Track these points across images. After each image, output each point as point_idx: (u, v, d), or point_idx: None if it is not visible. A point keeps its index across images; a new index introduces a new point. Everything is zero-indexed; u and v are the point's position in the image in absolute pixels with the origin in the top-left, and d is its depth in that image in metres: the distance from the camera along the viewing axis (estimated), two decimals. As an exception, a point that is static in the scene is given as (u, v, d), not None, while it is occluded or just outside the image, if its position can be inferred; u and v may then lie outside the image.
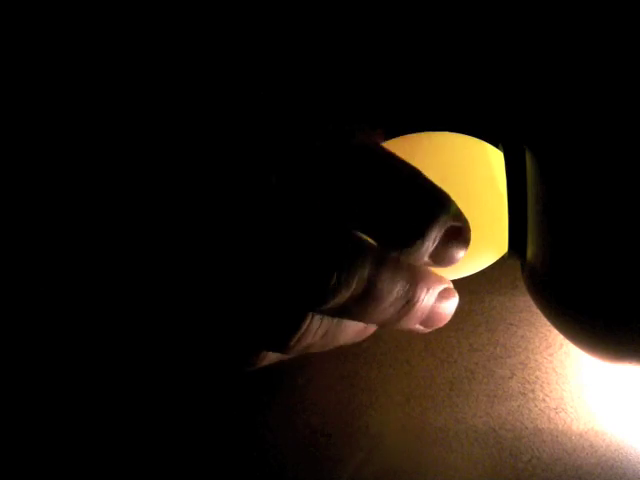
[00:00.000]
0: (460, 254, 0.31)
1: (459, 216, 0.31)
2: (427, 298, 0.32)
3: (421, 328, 0.33)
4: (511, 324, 0.38)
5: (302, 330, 0.31)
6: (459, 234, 0.31)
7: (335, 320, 0.32)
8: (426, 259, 0.31)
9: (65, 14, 0.35)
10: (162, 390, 0.36)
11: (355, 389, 0.36)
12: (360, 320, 0.32)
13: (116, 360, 0.36)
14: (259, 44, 0.38)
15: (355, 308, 0.31)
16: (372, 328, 0.34)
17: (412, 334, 0.35)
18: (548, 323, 0.33)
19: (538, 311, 0.33)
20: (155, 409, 0.36)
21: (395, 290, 0.31)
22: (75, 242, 0.32)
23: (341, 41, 0.40)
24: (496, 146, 0.33)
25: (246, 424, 0.35)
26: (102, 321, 0.35)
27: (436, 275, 0.32)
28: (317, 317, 0.31)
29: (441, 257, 0.31)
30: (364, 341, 0.35)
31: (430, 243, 0.30)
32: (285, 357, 0.33)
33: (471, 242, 0.31)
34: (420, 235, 0.30)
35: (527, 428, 0.34)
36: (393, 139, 0.33)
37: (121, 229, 0.31)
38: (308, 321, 0.31)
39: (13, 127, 0.33)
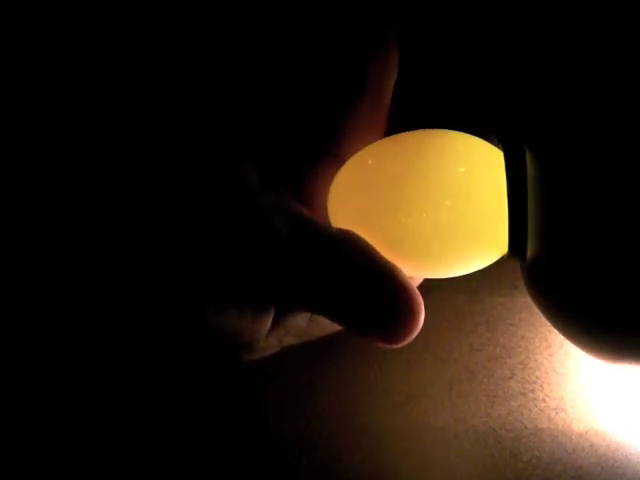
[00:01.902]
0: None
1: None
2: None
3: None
4: (511, 324, 0.38)
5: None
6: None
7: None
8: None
9: (64, 14, 0.35)
10: (160, 391, 0.36)
11: (355, 389, 0.36)
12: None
13: (113, 360, 0.36)
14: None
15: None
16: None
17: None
18: (548, 323, 0.33)
19: (538, 311, 0.33)
20: (152, 409, 0.36)
21: None
22: (73, 242, 0.32)
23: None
24: (496, 146, 0.33)
25: (245, 424, 0.35)
26: (102, 320, 0.35)
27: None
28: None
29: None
30: (364, 341, 0.35)
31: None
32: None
33: (471, 242, 0.31)
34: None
35: (527, 428, 0.34)
36: (392, 136, 0.33)
37: (114, 231, 0.31)
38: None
39: (10, 127, 0.33)
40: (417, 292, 0.31)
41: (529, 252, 0.32)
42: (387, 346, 0.31)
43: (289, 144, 0.33)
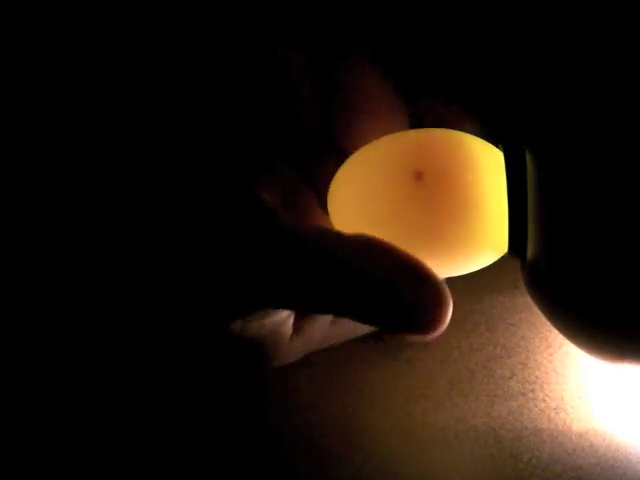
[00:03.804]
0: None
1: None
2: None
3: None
4: (511, 324, 0.38)
5: None
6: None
7: None
8: None
9: (65, 14, 0.35)
10: (159, 390, 0.36)
11: (355, 389, 0.36)
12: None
13: (113, 360, 0.36)
14: None
15: None
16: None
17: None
18: (548, 323, 0.33)
19: (538, 311, 0.33)
20: (152, 409, 0.36)
21: None
22: (73, 241, 0.32)
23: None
24: (496, 146, 0.33)
25: (246, 424, 0.35)
26: (102, 320, 0.35)
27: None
28: None
29: None
30: (364, 341, 0.35)
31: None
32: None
33: (471, 242, 0.31)
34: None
35: (527, 428, 0.34)
36: (393, 134, 0.33)
37: (117, 229, 0.31)
38: None
39: (13, 127, 0.33)
40: (442, 281, 0.29)
41: (529, 252, 0.32)
42: (420, 339, 0.29)
43: (291, 140, 0.33)
